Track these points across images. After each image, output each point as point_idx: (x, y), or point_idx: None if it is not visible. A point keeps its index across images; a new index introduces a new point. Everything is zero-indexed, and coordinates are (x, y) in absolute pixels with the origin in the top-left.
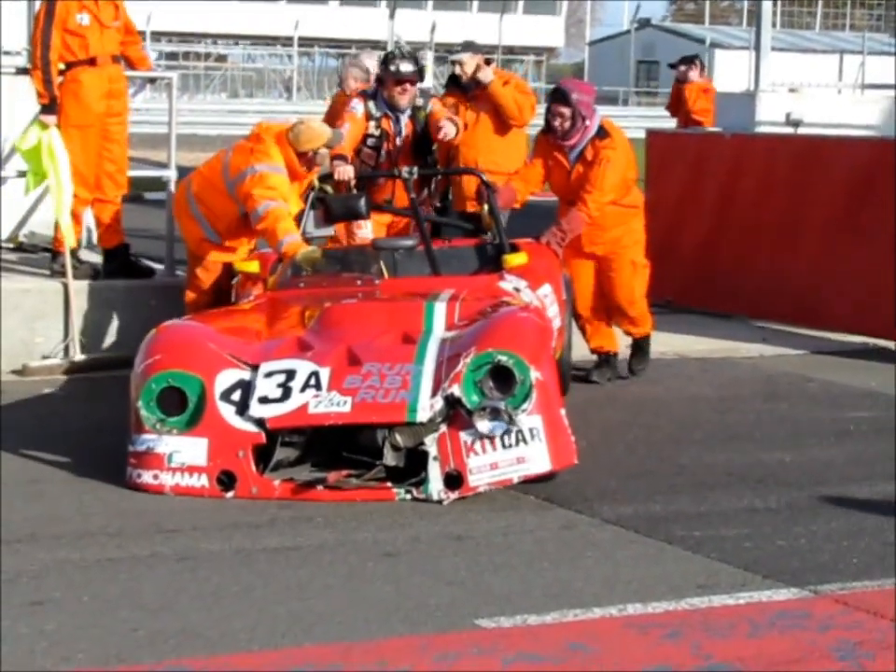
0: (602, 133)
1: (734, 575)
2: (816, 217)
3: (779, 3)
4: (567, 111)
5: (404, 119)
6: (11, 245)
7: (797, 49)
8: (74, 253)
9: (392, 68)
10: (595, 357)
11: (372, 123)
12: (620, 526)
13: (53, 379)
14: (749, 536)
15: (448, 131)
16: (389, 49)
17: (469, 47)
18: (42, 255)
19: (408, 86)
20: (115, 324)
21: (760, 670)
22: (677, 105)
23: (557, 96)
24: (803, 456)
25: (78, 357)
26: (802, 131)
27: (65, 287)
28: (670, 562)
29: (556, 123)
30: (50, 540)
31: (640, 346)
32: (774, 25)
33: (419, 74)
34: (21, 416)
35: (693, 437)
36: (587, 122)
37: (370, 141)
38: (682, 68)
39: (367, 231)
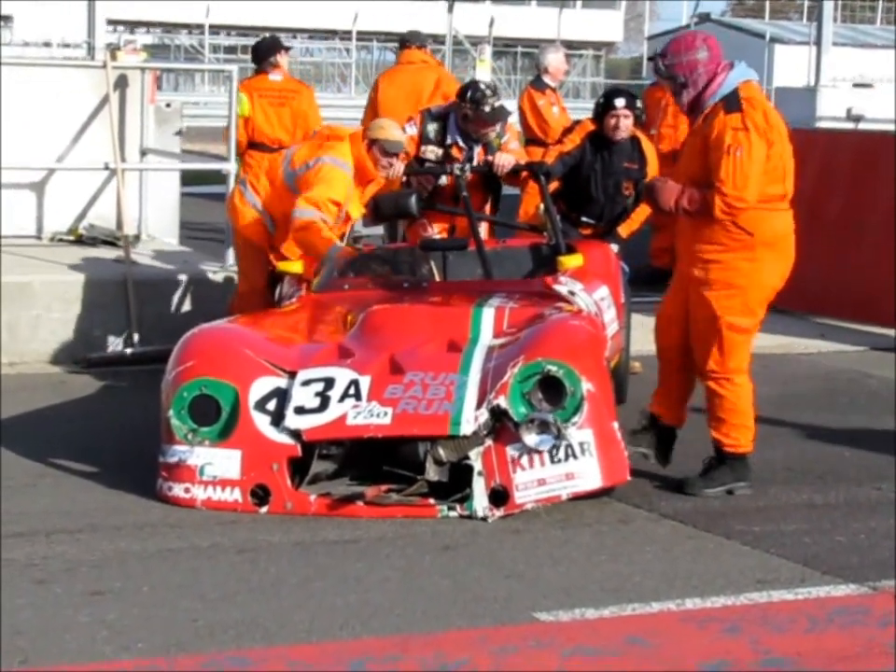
0: (733, 102)
1: (793, 570)
2: (876, 213)
3: None
4: (668, 84)
5: (477, 147)
6: (71, 238)
7: (856, 43)
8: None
9: (486, 109)
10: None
11: (431, 148)
12: (678, 521)
13: (112, 371)
14: (808, 531)
15: (502, 161)
16: (447, 43)
17: (415, 37)
18: (101, 247)
19: (497, 126)
20: (175, 316)
21: (818, 666)
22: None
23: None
24: (862, 452)
25: (138, 348)
26: (863, 126)
27: (125, 278)
28: (729, 557)
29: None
30: (111, 531)
31: (716, 462)
32: (834, 20)
33: (503, 112)
34: (80, 408)
35: None
36: (689, 87)
37: (428, 165)
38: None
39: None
